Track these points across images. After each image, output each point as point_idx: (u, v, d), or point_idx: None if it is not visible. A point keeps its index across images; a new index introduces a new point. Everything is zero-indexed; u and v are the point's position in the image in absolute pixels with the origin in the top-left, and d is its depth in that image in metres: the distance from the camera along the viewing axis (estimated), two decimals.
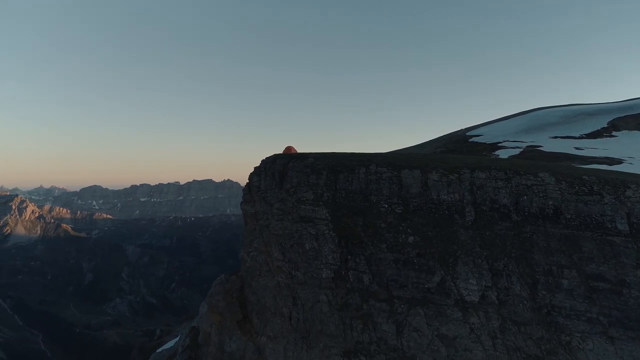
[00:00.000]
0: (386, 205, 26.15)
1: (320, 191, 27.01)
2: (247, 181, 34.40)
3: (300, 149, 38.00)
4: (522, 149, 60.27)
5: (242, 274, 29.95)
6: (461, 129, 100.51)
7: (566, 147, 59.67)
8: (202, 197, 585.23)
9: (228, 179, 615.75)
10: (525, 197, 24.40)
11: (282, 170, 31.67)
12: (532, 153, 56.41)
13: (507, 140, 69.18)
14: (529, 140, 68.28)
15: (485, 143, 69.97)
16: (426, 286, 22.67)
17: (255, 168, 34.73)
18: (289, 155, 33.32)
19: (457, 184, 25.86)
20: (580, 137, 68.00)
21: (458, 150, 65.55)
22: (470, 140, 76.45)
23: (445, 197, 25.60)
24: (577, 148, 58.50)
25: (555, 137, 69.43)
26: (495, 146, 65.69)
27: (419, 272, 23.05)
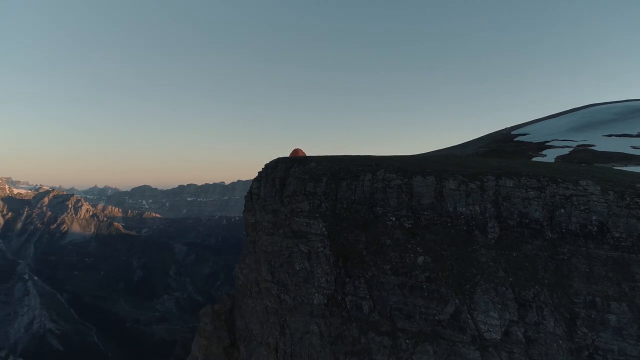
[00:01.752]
0: (393, 218, 22.97)
1: (317, 201, 24.20)
2: None
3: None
4: (572, 149, 54.99)
5: (234, 293, 27.55)
6: (505, 128, 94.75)
7: (622, 146, 53.68)
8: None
9: None
10: (562, 211, 20.56)
11: (283, 176, 29.18)
12: (583, 153, 51.13)
13: (556, 140, 63.74)
14: (580, 139, 62.52)
15: (531, 142, 64.95)
16: (437, 318, 19.36)
17: (259, 173, 32.41)
18: (292, 159, 30.69)
19: (478, 193, 22.31)
20: (639, 135, 61.23)
21: (501, 149, 61.01)
22: (515, 139, 71.50)
23: (464, 209, 22.10)
24: (634, 147, 52.36)
25: (610, 136, 63.07)
26: (542, 146, 60.53)
27: (429, 301, 19.77)
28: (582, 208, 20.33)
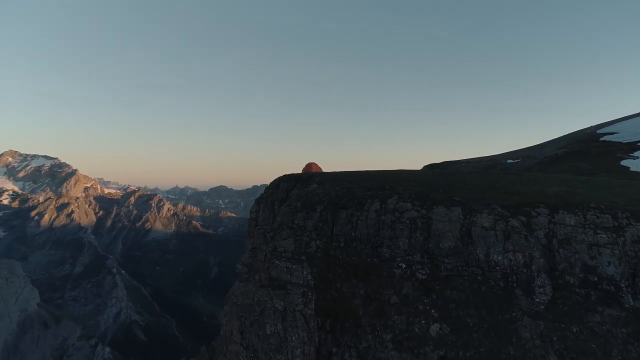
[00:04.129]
0: (403, 265, 17.54)
1: (306, 238, 19.34)
2: None
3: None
4: None
5: (214, 344, 23.25)
6: (590, 126, 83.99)
7: None
8: None
9: None
10: None
11: (283, 199, 24.57)
12: None
13: None
14: None
15: (621, 142, 55.61)
16: None
17: (262, 193, 28.08)
18: (296, 177, 26.00)
19: (522, 235, 16.35)
20: None
21: (584, 150, 52.61)
22: (601, 139, 61.96)
23: (500, 257, 16.24)
24: None
25: None
26: (634, 146, 51.35)
27: None
28: None
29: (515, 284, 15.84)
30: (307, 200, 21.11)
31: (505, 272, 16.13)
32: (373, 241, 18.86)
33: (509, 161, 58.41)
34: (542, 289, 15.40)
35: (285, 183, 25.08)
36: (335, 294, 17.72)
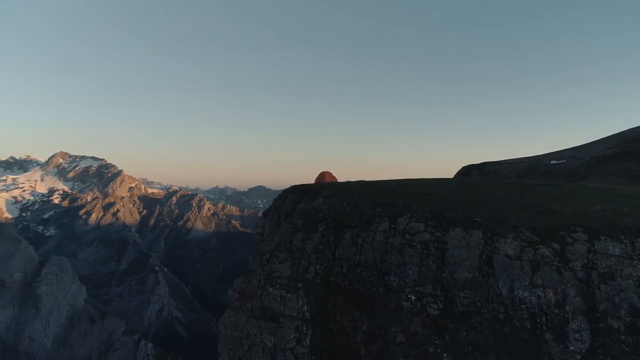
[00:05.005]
0: (413, 297, 15.33)
1: (305, 262, 17.45)
2: None
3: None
4: None
5: None
6: None
7: None
8: None
9: (379, 180, 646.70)
10: None
11: (290, 212, 22.80)
12: None
13: None
14: None
15: None
16: None
17: (270, 206, 26.50)
18: (305, 189, 24.16)
19: (554, 266, 13.82)
20: None
21: (635, 151, 47.49)
22: None
23: (527, 293, 13.77)
24: None
25: None
26: None
27: None
28: None
29: (544, 327, 13.24)
30: (310, 217, 19.17)
31: (532, 311, 13.54)
32: (379, 267, 16.68)
33: (552, 162, 53.91)
34: (578, 335, 12.74)
35: (293, 195, 23.31)
36: (334, 328, 15.72)
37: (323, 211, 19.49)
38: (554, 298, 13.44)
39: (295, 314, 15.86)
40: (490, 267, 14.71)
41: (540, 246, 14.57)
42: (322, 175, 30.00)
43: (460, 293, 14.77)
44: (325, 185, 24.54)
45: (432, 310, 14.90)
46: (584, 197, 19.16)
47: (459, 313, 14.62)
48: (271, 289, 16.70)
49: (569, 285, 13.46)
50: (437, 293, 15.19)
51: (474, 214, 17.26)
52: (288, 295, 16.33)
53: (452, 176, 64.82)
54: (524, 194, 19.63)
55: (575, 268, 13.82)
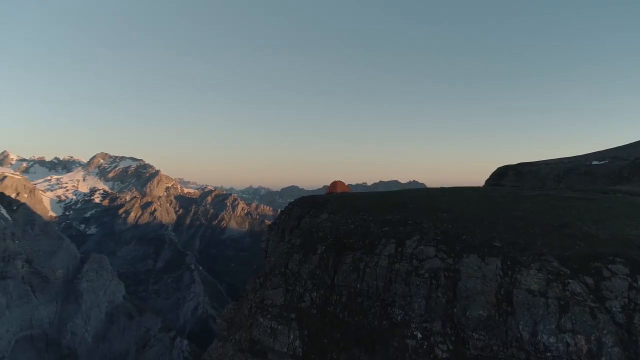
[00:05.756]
0: (419, 335, 13.42)
1: (300, 289, 15.81)
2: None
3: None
4: None
5: None
6: None
7: None
8: None
9: (414, 180, 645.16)
10: None
11: (295, 227, 21.25)
12: None
13: None
14: None
15: None
16: None
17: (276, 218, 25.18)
18: (311, 201, 22.49)
19: (586, 306, 11.49)
20: None
21: None
22: None
23: (553, 339, 11.64)
24: None
25: None
26: None
27: None
28: None
29: None
30: (309, 236, 17.45)
31: None
32: (383, 297, 14.75)
33: (594, 162, 49.62)
34: None
35: (299, 208, 21.67)
36: None
37: (325, 229, 17.72)
38: (586, 347, 11.14)
39: (286, 349, 14.21)
40: (510, 304, 12.50)
41: (570, 280, 12.23)
42: (334, 184, 28.24)
43: (474, 334, 12.65)
44: (333, 197, 22.80)
45: (440, 352, 12.87)
46: (627, 216, 16.45)
47: (471, 357, 12.51)
48: (261, 319, 15.13)
49: (604, 331, 11.12)
50: (447, 332, 13.14)
51: (493, 237, 15.01)
52: (279, 327, 14.69)
53: (487, 176, 61.43)
54: (554, 211, 17.10)
55: (613, 309, 11.44)
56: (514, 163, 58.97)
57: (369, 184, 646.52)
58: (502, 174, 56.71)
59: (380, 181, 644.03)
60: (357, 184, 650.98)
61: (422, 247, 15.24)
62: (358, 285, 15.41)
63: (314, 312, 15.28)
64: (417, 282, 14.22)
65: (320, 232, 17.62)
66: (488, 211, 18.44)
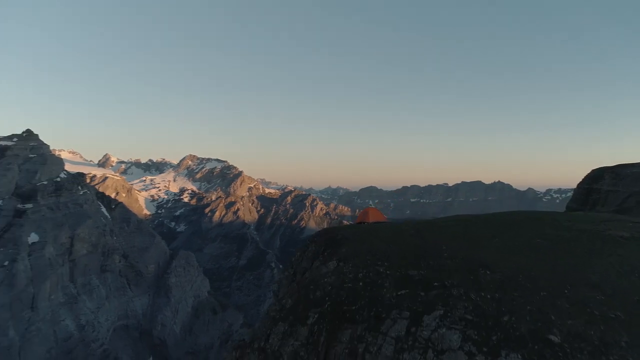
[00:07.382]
0: None
1: None
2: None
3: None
4: None
5: None
6: None
7: None
8: (470, 199, 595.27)
9: (498, 181, 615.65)
10: None
11: (308, 269, 17.64)
12: None
13: None
14: None
15: None
16: None
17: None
18: (329, 238, 18.55)
19: None
20: None
21: None
22: None
23: None
24: None
25: None
26: None
27: None
28: None
29: None
30: (304, 296, 13.57)
31: None
32: None
33: None
34: None
35: (315, 246, 17.89)
36: None
37: (325, 287, 13.74)
38: None
39: None
40: None
41: None
42: (366, 213, 23.52)
43: None
44: (355, 232, 18.57)
45: None
46: None
47: None
48: None
49: None
50: None
51: (553, 321, 9.98)
52: None
53: (580, 179, 52.36)
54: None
55: None
56: (611, 165, 49.11)
57: (450, 184, 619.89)
58: (597, 177, 47.45)
59: (463, 182, 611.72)
60: (437, 185, 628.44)
61: (444, 330, 10.71)
62: None
63: None
64: None
65: (318, 291, 13.68)
66: (555, 263, 13.06)
